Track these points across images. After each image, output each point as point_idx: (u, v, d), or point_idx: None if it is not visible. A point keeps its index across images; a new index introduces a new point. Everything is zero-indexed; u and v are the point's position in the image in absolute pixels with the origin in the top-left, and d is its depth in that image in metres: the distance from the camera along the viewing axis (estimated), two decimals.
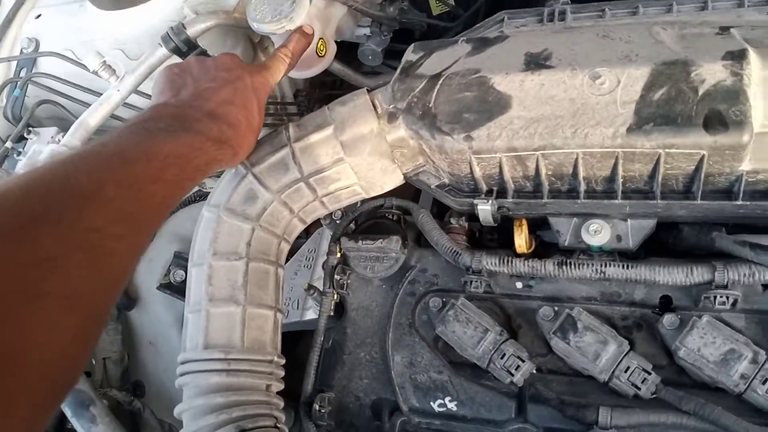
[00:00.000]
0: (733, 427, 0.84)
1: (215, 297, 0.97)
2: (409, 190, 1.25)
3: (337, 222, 1.21)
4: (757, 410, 0.87)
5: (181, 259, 1.47)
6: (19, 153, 1.30)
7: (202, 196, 1.52)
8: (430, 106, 0.97)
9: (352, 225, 1.20)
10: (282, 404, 0.98)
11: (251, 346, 0.96)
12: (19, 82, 1.35)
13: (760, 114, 0.84)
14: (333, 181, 1.03)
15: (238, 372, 0.93)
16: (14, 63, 1.42)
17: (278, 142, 1.04)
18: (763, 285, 0.92)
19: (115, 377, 1.43)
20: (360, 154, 1.00)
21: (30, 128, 1.32)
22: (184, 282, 1.46)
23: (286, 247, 1.08)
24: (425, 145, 0.99)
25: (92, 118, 1.20)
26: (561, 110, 0.90)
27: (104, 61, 1.20)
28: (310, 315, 1.28)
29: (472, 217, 1.13)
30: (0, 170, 1.28)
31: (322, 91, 1.69)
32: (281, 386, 1.00)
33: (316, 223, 1.28)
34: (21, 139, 1.31)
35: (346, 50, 1.44)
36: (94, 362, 1.45)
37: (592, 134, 0.88)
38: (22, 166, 1.21)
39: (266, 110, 1.50)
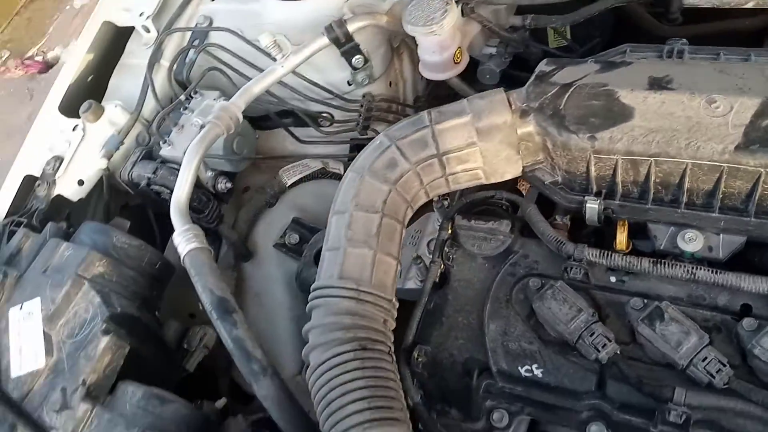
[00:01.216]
0: None
1: (353, 239, 1.13)
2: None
3: (447, 209, 1.37)
4: None
5: (298, 224, 1.65)
6: (185, 108, 1.52)
7: (324, 174, 1.71)
8: (560, 108, 1.13)
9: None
10: (392, 338, 1.13)
11: (377, 284, 1.11)
12: (195, 49, 1.58)
13: None
14: (462, 162, 1.20)
15: (365, 302, 1.08)
16: (188, 34, 1.65)
17: (419, 122, 1.21)
18: None
19: None
20: (491, 141, 1.17)
21: (197, 90, 1.54)
22: (297, 244, 1.64)
23: (410, 213, 1.24)
24: (550, 142, 1.15)
25: (257, 86, 1.41)
26: (678, 125, 1.05)
27: (275, 40, 1.41)
28: (411, 285, 1.42)
29: (574, 219, 1.28)
30: (168, 117, 1.49)
31: (437, 101, 1.88)
32: (393, 325, 1.14)
33: (421, 210, 1.44)
34: (188, 98, 1.53)
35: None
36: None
37: (703, 148, 1.02)
38: (196, 115, 1.42)
39: (389, 108, 1.69)
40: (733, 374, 1.02)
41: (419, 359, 1.22)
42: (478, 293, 1.27)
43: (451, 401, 1.26)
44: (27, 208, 1.47)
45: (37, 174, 1.50)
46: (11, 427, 1.13)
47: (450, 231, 1.32)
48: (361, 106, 1.61)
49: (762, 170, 1.00)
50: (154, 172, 1.46)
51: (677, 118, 1.05)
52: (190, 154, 1.29)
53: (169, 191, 1.47)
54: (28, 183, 1.50)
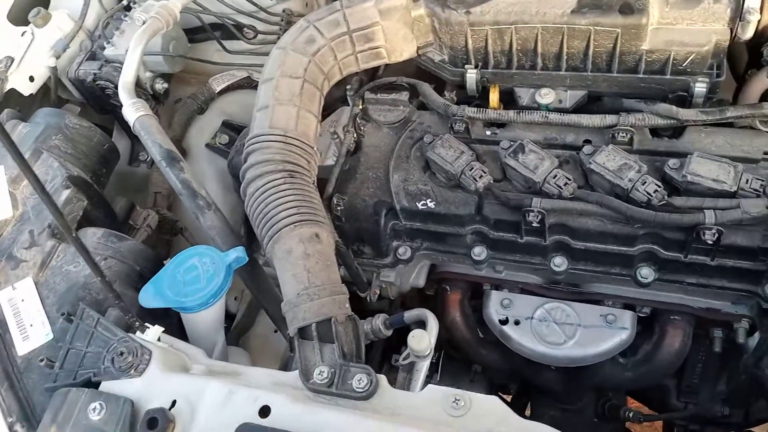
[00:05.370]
0: (619, 207, 1.28)
1: (280, 99, 1.38)
2: None
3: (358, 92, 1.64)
4: (638, 205, 1.29)
5: (227, 127, 1.88)
6: (125, 16, 1.72)
7: (249, 84, 1.94)
8: None
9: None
10: (315, 177, 1.38)
11: (301, 133, 1.36)
12: None
13: (656, 14, 1.31)
14: (368, 40, 1.47)
15: (292, 146, 1.33)
16: None
17: (333, 7, 1.47)
18: (650, 131, 1.37)
19: (162, 206, 1.80)
20: (391, 20, 1.45)
21: (134, 2, 1.74)
22: (226, 145, 1.87)
23: (327, 86, 1.49)
24: (436, 20, 1.44)
25: None
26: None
27: None
28: (329, 162, 1.68)
29: (459, 98, 1.57)
30: (111, 22, 1.69)
31: None
32: (316, 169, 1.39)
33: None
34: (126, 8, 1.73)
35: None
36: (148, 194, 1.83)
37: (548, 13, 1.34)
38: (139, 12, 1.61)
39: None
40: (577, 186, 1.34)
41: (338, 206, 1.48)
42: (384, 154, 1.54)
43: (365, 240, 1.53)
44: None
45: None
46: None
47: (361, 106, 1.59)
48: (282, 20, 1.85)
49: (591, 28, 1.32)
50: (99, 69, 1.65)
51: None
52: (136, 41, 1.49)
53: (113, 86, 1.66)
54: None
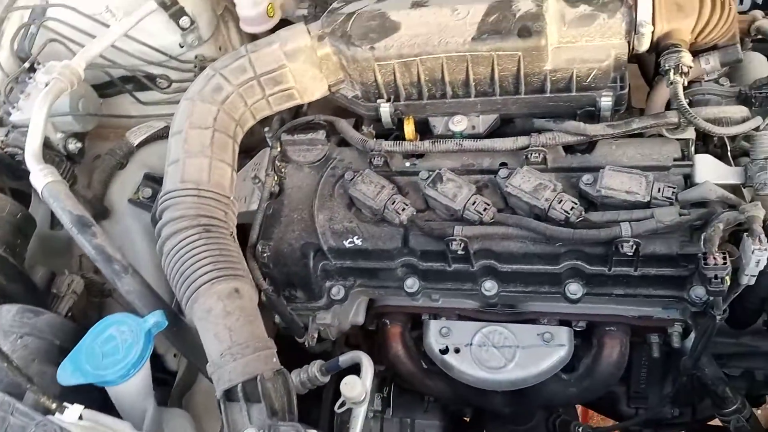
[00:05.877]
0: (537, 228, 1.28)
1: (190, 152, 1.35)
2: None
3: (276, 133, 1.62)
4: (557, 223, 1.30)
5: (149, 179, 1.83)
6: (30, 78, 1.67)
7: (168, 134, 1.90)
8: (348, 30, 1.42)
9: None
10: (234, 228, 1.35)
11: (215, 184, 1.33)
12: (35, 23, 1.72)
13: (555, 35, 1.33)
14: (277, 83, 1.46)
15: (206, 198, 1.30)
16: (27, 12, 1.79)
17: (238, 53, 1.46)
18: (564, 148, 1.39)
19: (88, 269, 1.74)
20: (297, 61, 1.44)
21: (39, 62, 1.69)
22: (149, 198, 1.82)
23: (240, 132, 1.47)
24: (343, 58, 1.43)
25: (94, 46, 1.59)
26: (432, 30, 1.37)
27: (107, 5, 1.60)
28: (254, 207, 1.65)
29: (378, 133, 1.57)
30: (15, 86, 1.63)
31: None
32: (234, 219, 1.37)
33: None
34: (32, 69, 1.68)
35: None
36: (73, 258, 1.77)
37: (450, 42, 1.35)
38: (41, 74, 1.56)
39: None
40: (496, 211, 1.34)
41: (264, 253, 1.45)
42: (307, 194, 1.52)
43: (296, 285, 1.51)
44: None
45: None
46: None
47: (279, 149, 1.57)
48: (195, 66, 1.83)
49: (494, 54, 1.34)
50: (6, 135, 1.59)
51: (431, 25, 1.37)
52: (39, 104, 1.45)
53: (22, 151, 1.60)
54: None
